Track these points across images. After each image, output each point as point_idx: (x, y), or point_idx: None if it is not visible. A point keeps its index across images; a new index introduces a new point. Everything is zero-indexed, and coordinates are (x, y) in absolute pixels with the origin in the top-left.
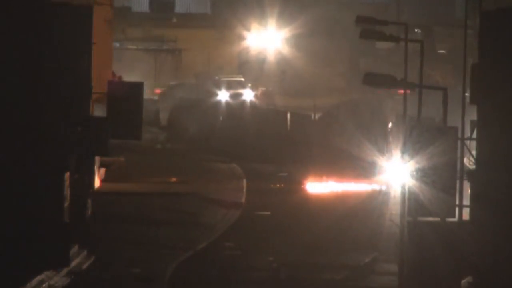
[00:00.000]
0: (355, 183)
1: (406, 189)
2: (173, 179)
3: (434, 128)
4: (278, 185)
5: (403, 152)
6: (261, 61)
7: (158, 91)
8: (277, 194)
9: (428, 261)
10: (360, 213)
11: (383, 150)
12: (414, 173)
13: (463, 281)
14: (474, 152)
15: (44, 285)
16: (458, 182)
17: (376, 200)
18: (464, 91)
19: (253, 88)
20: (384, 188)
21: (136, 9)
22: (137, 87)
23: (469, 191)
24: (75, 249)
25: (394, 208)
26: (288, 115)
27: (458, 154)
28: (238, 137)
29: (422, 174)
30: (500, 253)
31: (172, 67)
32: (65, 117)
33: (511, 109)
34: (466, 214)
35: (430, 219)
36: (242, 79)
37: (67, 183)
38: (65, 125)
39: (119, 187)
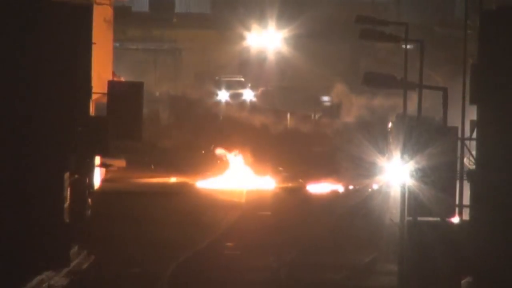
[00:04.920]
0: (354, 183)
1: (406, 189)
2: (173, 179)
3: (434, 128)
4: (278, 185)
5: (403, 152)
6: (261, 61)
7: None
8: (277, 194)
9: (428, 261)
10: (360, 213)
11: (383, 150)
12: (414, 173)
13: (463, 281)
14: (474, 152)
15: (44, 285)
16: (458, 182)
17: (376, 200)
18: (464, 91)
19: (253, 88)
20: (384, 188)
21: (136, 9)
22: (137, 87)
23: (469, 191)
24: (75, 249)
25: (394, 208)
26: (288, 115)
27: (458, 154)
28: (238, 137)
29: (422, 174)
30: (500, 253)
31: (172, 67)
32: (65, 117)
33: (511, 109)
34: (466, 214)
35: (430, 219)
36: (242, 79)
37: (67, 183)
38: (65, 125)
39: (119, 187)
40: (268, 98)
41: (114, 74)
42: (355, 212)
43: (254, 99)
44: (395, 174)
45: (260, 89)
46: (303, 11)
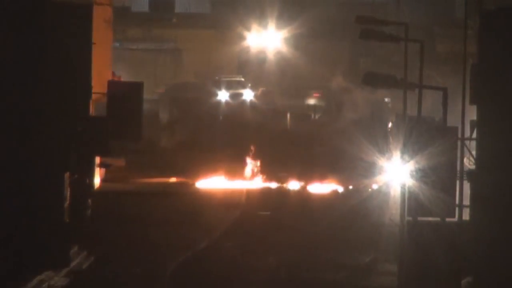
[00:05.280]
0: (354, 183)
1: (406, 189)
2: (173, 179)
3: (434, 128)
4: (278, 185)
5: (403, 152)
6: (261, 61)
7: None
8: (277, 194)
9: (428, 261)
10: (360, 213)
11: (383, 150)
12: (414, 173)
13: (463, 281)
14: (474, 152)
15: (44, 285)
16: (458, 182)
17: (376, 200)
18: (464, 91)
19: (253, 88)
20: (384, 188)
21: (136, 9)
22: (137, 87)
23: (469, 191)
24: (75, 249)
25: (394, 208)
26: (288, 115)
27: (458, 154)
28: (238, 137)
29: (422, 174)
30: (500, 253)
31: (172, 67)
32: (65, 117)
33: (511, 109)
34: (466, 214)
35: (430, 219)
36: (242, 79)
37: (67, 183)
38: (65, 125)
39: (119, 187)
40: (268, 98)
41: (113, 74)
42: (355, 212)
43: (254, 99)
44: (395, 174)
45: (260, 89)
46: (303, 11)
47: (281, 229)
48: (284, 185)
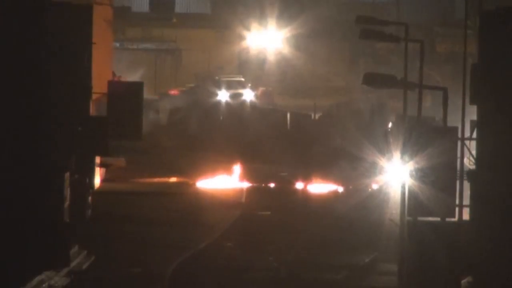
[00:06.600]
0: (354, 183)
1: (406, 189)
2: (173, 179)
3: (434, 128)
4: (278, 185)
5: (403, 152)
6: (261, 61)
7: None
8: (277, 194)
9: (428, 261)
10: (360, 213)
11: (383, 150)
12: (414, 173)
13: (463, 281)
14: (474, 152)
15: (44, 285)
16: (458, 182)
17: (376, 200)
18: (464, 91)
19: (253, 88)
20: (384, 188)
21: (136, 9)
22: (137, 87)
23: (469, 191)
24: (75, 249)
25: (394, 208)
26: (288, 115)
27: (458, 154)
28: (238, 137)
29: (422, 174)
30: (500, 253)
31: (172, 67)
32: (65, 117)
33: (511, 109)
34: (466, 214)
35: (430, 219)
36: (242, 79)
37: (67, 183)
38: (65, 125)
39: (119, 187)
40: (268, 98)
41: (113, 74)
42: (355, 212)
43: (254, 99)
44: (395, 174)
45: (260, 89)
46: (303, 11)
47: (281, 229)
48: (284, 185)
